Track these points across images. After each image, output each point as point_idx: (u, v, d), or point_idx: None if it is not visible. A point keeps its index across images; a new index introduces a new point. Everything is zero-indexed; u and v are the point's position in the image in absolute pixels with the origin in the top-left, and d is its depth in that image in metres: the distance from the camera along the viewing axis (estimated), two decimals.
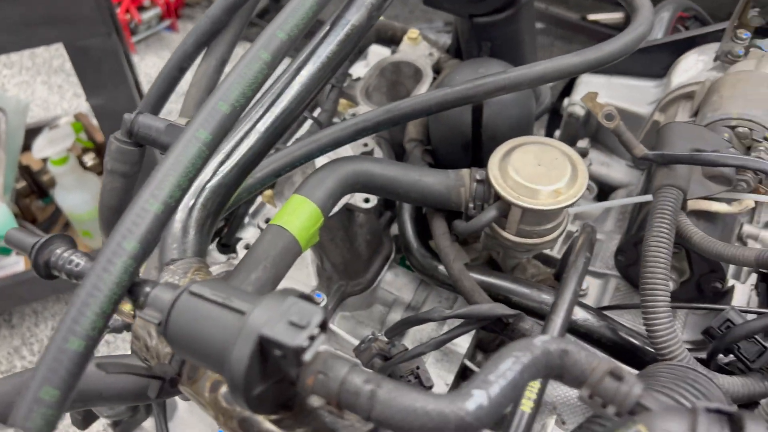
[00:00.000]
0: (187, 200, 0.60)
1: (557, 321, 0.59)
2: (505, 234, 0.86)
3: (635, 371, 0.74)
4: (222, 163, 0.63)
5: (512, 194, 0.80)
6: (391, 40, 1.18)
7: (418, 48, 1.14)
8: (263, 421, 0.44)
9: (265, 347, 0.40)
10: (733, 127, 0.85)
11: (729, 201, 0.89)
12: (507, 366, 0.42)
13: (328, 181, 0.78)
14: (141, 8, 3.68)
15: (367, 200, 0.92)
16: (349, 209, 0.93)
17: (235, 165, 0.64)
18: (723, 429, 0.39)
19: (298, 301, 0.41)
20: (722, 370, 0.75)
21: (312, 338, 0.40)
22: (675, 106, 1.08)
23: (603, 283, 1.05)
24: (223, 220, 1.06)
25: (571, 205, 0.80)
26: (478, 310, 0.74)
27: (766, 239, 1.02)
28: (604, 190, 1.25)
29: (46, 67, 3.54)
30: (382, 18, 1.16)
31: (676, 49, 1.19)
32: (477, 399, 0.39)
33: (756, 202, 1.09)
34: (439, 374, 0.93)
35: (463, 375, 0.96)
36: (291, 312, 0.40)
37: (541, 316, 0.80)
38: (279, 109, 0.66)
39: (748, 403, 0.73)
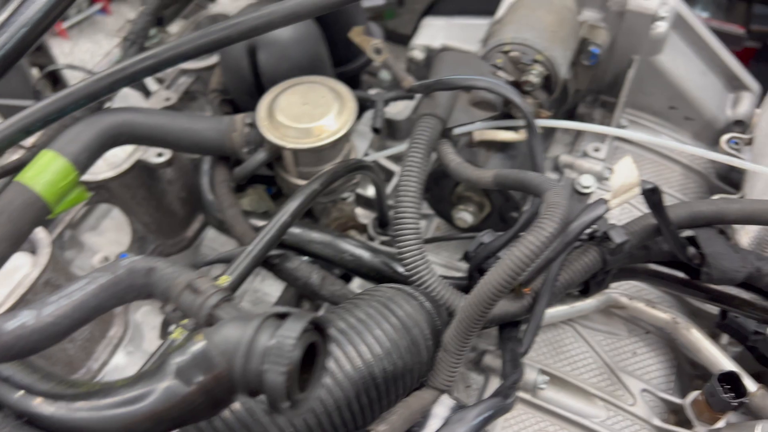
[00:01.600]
0: None
1: (243, 260, 0.58)
2: (289, 178, 0.85)
3: None
4: None
5: (276, 135, 0.79)
6: None
7: (237, 0, 1.11)
8: None
9: None
10: (506, 52, 0.84)
11: (517, 129, 0.88)
12: (77, 286, 0.41)
13: (84, 134, 0.77)
14: None
15: (160, 154, 0.91)
16: (146, 166, 0.92)
17: None
18: (276, 327, 0.39)
19: None
20: None
21: None
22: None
23: (427, 222, 1.05)
24: None
25: (337, 142, 0.80)
26: (232, 252, 0.74)
27: (581, 167, 1.02)
28: None
29: None
30: None
31: None
32: (21, 319, 0.39)
33: (577, 132, 1.09)
34: None
35: None
36: None
37: (314, 254, 0.80)
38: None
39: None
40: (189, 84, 1.04)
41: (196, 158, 1.04)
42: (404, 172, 0.73)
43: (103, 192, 0.91)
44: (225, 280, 0.58)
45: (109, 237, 1.06)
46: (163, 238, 1.00)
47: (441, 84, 0.75)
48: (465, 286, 0.77)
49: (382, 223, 1.04)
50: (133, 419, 0.39)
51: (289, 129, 0.79)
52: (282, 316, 0.41)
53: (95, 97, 0.79)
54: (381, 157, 1.03)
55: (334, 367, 0.53)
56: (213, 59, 1.03)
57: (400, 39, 2.22)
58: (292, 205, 0.64)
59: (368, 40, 0.81)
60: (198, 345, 0.40)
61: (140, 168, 0.91)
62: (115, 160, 0.91)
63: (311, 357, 0.41)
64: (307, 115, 0.79)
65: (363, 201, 1.09)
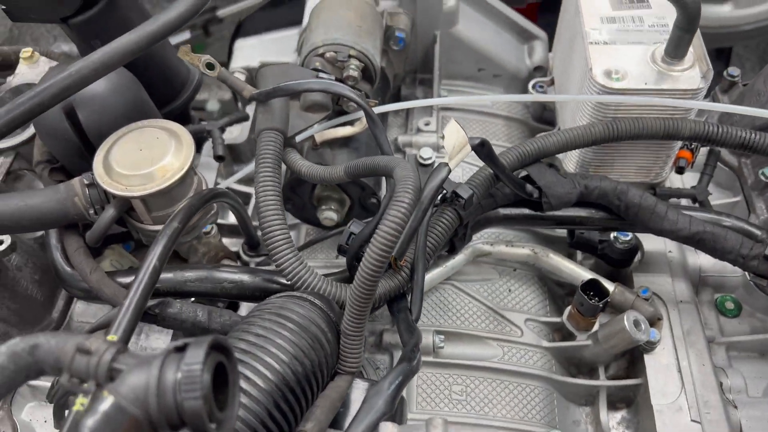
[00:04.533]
0: None
1: (124, 316, 0.58)
2: (144, 227, 0.84)
3: None
4: None
5: (120, 187, 0.77)
6: (6, 67, 1.09)
7: (36, 66, 1.06)
8: None
9: None
10: (322, 55, 0.88)
11: (353, 123, 0.93)
12: None
13: None
14: None
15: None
16: None
17: None
18: (179, 360, 0.40)
19: None
20: None
21: None
22: None
23: (296, 233, 1.07)
24: None
25: (183, 179, 0.80)
26: (110, 315, 0.72)
27: (418, 142, 1.09)
28: None
29: None
30: None
31: None
32: None
33: (407, 113, 1.16)
34: None
35: None
36: None
37: (193, 293, 0.80)
38: None
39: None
40: (9, 164, 0.98)
41: (39, 236, 0.99)
42: (259, 187, 0.75)
43: None
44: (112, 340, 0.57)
45: None
46: (28, 327, 0.94)
47: (280, 90, 0.78)
48: (347, 278, 0.80)
49: (252, 246, 1.05)
50: None
51: (131, 178, 0.78)
52: (181, 348, 0.42)
53: None
54: (232, 183, 1.04)
55: (247, 386, 0.55)
56: (29, 132, 0.98)
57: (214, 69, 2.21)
58: (157, 249, 0.64)
59: (198, 57, 0.82)
60: (107, 401, 0.40)
61: None
62: None
63: (221, 377, 0.43)
64: (145, 159, 0.79)
65: (226, 229, 1.09)
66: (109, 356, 0.42)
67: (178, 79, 1.12)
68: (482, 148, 0.78)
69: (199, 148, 1.18)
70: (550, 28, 1.30)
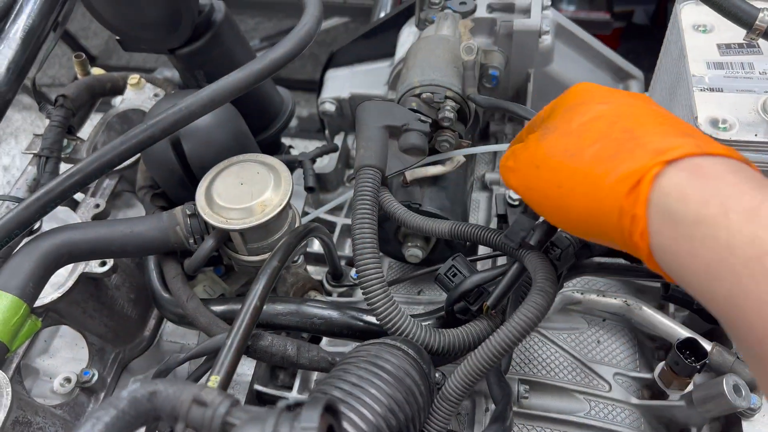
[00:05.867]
0: None
1: (226, 356, 0.59)
2: (240, 257, 0.86)
3: None
4: None
5: (220, 220, 0.80)
6: (115, 92, 1.15)
7: (142, 92, 1.12)
8: None
9: None
10: (418, 95, 0.88)
11: (444, 162, 0.93)
12: (85, 430, 0.41)
13: (24, 265, 0.75)
14: None
15: (103, 263, 0.90)
16: (90, 278, 0.90)
17: None
18: (292, 420, 0.40)
19: None
20: (458, 322, 0.78)
21: None
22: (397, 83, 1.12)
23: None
24: None
25: (281, 213, 0.81)
26: (206, 345, 0.74)
27: None
28: None
29: None
30: (97, 72, 1.14)
31: (396, 23, 1.23)
32: None
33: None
34: None
35: (260, 399, 0.96)
36: None
37: (283, 326, 0.81)
38: None
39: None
40: (114, 186, 1.03)
41: (133, 260, 1.03)
42: (357, 224, 0.75)
43: (53, 315, 0.89)
44: (215, 381, 0.58)
45: (64, 356, 1.03)
46: (122, 344, 0.98)
47: (502, 105, 0.86)
48: (440, 318, 0.80)
49: (336, 276, 1.06)
50: None
51: (231, 211, 0.80)
52: (292, 407, 0.42)
53: (27, 224, 0.78)
54: (321, 213, 1.05)
55: None
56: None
57: (296, 85, 2.28)
58: (258, 288, 0.65)
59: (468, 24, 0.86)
60: None
61: (85, 281, 0.90)
62: (58, 279, 0.88)
63: None
64: (246, 194, 0.81)
65: (311, 258, 1.11)
66: (223, 410, 0.43)
67: (273, 109, 1.15)
68: None
69: None
70: (633, 55, 1.26)
